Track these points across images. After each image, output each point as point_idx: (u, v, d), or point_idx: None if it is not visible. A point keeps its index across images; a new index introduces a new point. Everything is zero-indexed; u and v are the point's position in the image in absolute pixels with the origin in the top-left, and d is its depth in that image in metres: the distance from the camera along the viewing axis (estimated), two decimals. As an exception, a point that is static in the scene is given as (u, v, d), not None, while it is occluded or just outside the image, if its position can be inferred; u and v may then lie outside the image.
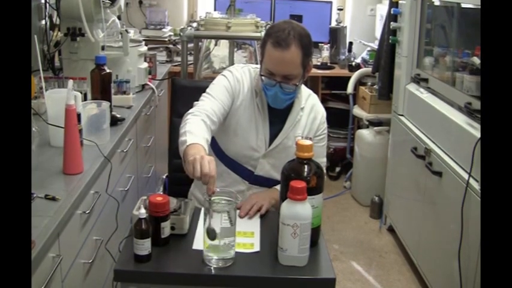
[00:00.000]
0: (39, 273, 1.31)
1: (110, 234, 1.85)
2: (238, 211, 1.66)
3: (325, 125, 1.97)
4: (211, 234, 1.40)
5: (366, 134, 3.73)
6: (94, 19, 2.43)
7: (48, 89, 2.13)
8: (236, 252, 1.46)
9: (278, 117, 1.89)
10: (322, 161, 1.90)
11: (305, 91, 1.95)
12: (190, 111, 1.74)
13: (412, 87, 2.99)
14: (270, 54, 1.75)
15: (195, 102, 1.81)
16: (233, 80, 1.87)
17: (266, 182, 1.92)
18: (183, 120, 1.71)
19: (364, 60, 4.15)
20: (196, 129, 1.63)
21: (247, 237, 1.60)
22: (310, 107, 1.93)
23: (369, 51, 4.17)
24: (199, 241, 1.51)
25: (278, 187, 1.68)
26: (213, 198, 1.44)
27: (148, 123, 2.88)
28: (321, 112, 1.96)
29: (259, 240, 1.58)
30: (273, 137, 1.89)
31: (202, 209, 1.57)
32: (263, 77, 1.79)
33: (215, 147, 1.92)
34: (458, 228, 2.13)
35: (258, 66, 1.89)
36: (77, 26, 2.44)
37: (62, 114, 1.68)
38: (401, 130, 3.06)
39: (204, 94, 1.84)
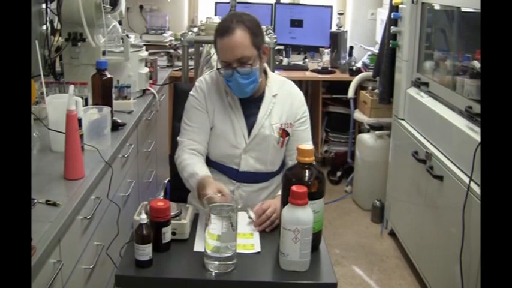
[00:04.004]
0: (40, 279, 1.30)
1: (111, 240, 1.84)
2: (239, 215, 1.66)
3: (305, 108, 1.98)
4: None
5: (366, 138, 3.73)
6: (95, 24, 2.43)
7: (49, 94, 2.14)
8: (237, 253, 1.46)
9: (252, 110, 1.92)
10: (309, 144, 1.89)
11: (277, 79, 1.98)
12: (180, 153, 1.89)
13: (413, 91, 2.99)
14: (219, 45, 1.80)
15: (179, 139, 1.92)
16: (198, 94, 1.94)
17: (253, 177, 1.94)
18: (178, 162, 1.88)
19: (365, 65, 4.15)
20: (195, 169, 1.80)
21: (247, 238, 1.61)
22: (285, 94, 1.95)
23: (369, 55, 4.17)
24: (200, 243, 1.51)
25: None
26: (212, 204, 1.45)
27: (149, 128, 2.88)
28: (298, 96, 1.98)
29: (259, 240, 1.59)
30: (250, 130, 1.92)
31: (203, 212, 1.57)
32: (221, 71, 1.82)
33: None
34: (460, 232, 2.12)
35: None
36: (78, 31, 2.44)
37: (62, 119, 1.69)
38: (402, 134, 3.06)
39: (182, 124, 1.94)
